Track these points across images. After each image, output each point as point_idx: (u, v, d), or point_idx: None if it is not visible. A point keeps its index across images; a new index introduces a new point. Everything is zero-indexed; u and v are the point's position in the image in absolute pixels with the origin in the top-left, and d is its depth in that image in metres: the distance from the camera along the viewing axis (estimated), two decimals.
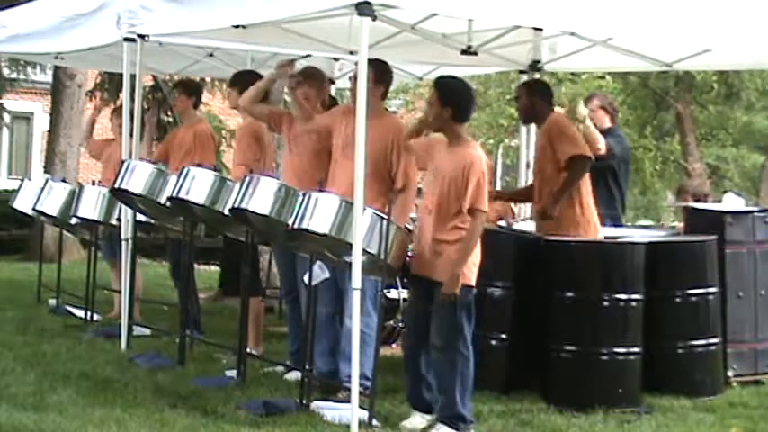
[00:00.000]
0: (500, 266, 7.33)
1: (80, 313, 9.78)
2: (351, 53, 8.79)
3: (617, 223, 8.92)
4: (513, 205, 9.86)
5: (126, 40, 8.24)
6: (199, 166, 7.85)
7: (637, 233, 8.33)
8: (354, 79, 7.03)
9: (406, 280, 8.52)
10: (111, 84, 16.42)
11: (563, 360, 7.11)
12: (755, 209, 8.70)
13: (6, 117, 19.06)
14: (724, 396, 7.44)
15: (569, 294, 7.13)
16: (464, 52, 8.21)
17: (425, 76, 11.01)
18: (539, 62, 9.37)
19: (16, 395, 6.54)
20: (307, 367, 6.70)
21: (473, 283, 6.16)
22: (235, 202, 6.89)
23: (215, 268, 14.31)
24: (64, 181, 11.16)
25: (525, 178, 9.84)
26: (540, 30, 8.37)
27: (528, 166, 9.77)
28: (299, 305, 7.51)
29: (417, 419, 6.26)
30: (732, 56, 8.53)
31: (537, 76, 9.46)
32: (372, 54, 6.45)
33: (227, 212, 7.13)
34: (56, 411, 6.15)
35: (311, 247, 6.58)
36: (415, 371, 6.32)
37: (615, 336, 7.09)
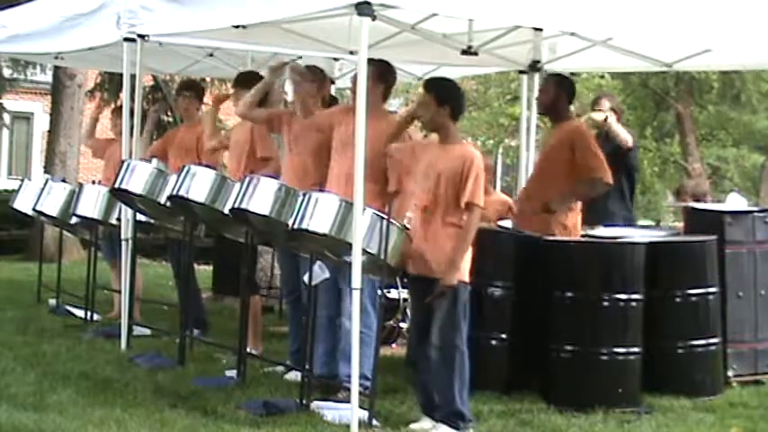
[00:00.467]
0: (500, 266, 7.33)
1: (80, 313, 9.77)
2: (351, 53, 8.78)
3: (630, 223, 8.95)
4: (513, 205, 9.85)
5: (126, 40, 8.23)
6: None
7: (637, 233, 8.32)
8: (355, 79, 7.05)
9: (405, 280, 8.53)
10: (111, 84, 16.44)
11: (563, 360, 7.11)
12: (755, 209, 8.70)
13: (6, 117, 19.06)
14: (724, 396, 7.44)
15: (569, 294, 7.12)
16: (464, 52, 8.21)
17: (425, 76, 11.01)
18: (539, 62, 9.37)
19: (16, 395, 6.54)
20: (306, 367, 6.70)
21: (467, 279, 6.17)
22: (235, 202, 6.89)
23: None
24: (64, 181, 11.16)
25: (525, 178, 9.83)
26: (540, 30, 8.37)
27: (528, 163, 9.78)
28: (300, 305, 7.50)
29: (428, 424, 6.25)
30: (733, 56, 8.53)
31: (537, 76, 9.47)
32: (372, 54, 6.46)
33: (227, 212, 7.13)
34: (56, 411, 6.15)
35: (311, 247, 6.58)
36: (425, 374, 6.32)
37: (615, 336, 7.09)
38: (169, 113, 16.85)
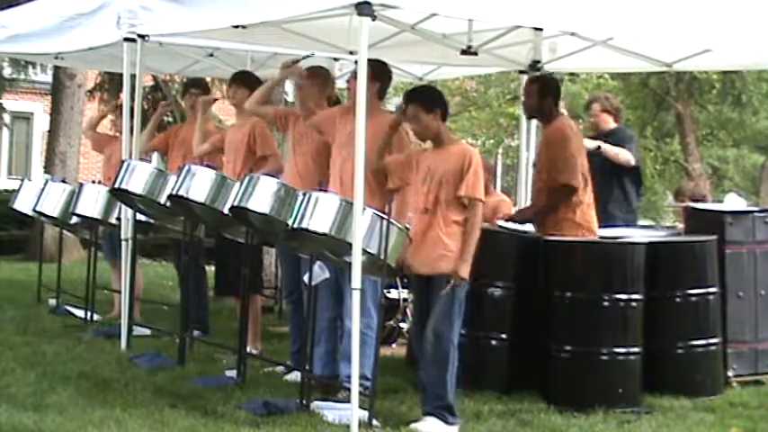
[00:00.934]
0: (500, 266, 7.33)
1: (80, 313, 9.77)
2: (351, 53, 8.78)
3: (630, 225, 8.94)
4: (511, 205, 9.85)
5: (126, 40, 8.23)
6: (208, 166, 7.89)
7: (637, 233, 8.32)
8: (353, 78, 7.06)
9: (406, 280, 8.52)
10: (111, 84, 16.43)
11: (563, 360, 7.11)
12: (755, 209, 8.70)
13: (6, 117, 19.06)
14: (724, 396, 7.44)
15: (569, 294, 7.12)
16: (464, 52, 8.21)
17: (425, 76, 11.02)
18: (539, 62, 9.36)
19: (16, 395, 6.54)
20: (307, 368, 6.70)
21: (467, 277, 6.20)
22: (234, 201, 6.89)
23: None
24: (64, 181, 11.17)
25: (525, 178, 9.84)
26: (540, 30, 8.37)
27: (535, 165, 9.77)
28: (300, 305, 7.49)
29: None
30: (733, 56, 8.53)
31: (543, 74, 9.46)
32: (372, 54, 6.45)
33: (226, 211, 7.13)
34: (56, 411, 6.15)
35: (311, 247, 6.58)
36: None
37: (615, 336, 7.09)
38: (169, 113, 16.85)
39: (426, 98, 6.43)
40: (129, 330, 8.45)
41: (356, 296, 6.01)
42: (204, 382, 7.11)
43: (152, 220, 8.67)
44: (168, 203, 7.74)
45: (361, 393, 6.06)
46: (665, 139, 26.04)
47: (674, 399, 7.16)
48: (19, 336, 8.74)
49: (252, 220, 7.06)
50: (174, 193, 7.48)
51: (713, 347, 7.55)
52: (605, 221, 8.39)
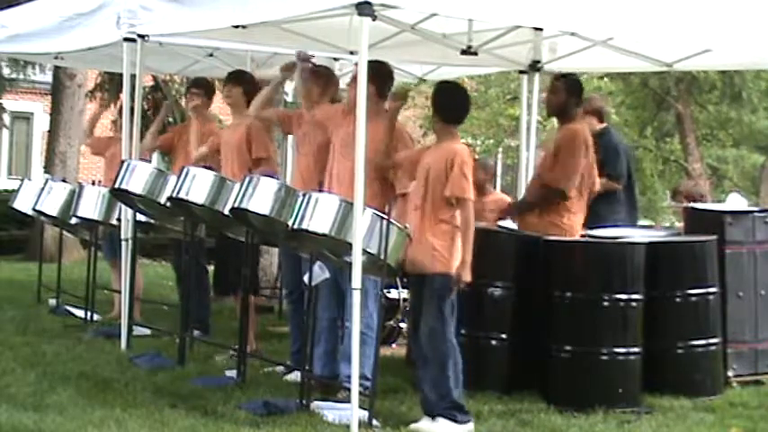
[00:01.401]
0: (500, 266, 7.34)
1: (80, 313, 9.78)
2: (351, 53, 8.79)
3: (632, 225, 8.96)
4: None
5: (126, 40, 8.23)
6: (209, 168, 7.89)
7: (637, 233, 8.32)
8: (352, 80, 7.06)
9: (406, 280, 8.52)
10: (111, 84, 16.42)
11: (563, 360, 7.11)
12: (755, 209, 8.70)
13: (6, 117, 19.05)
14: (724, 396, 7.44)
15: (569, 294, 7.12)
16: (464, 52, 8.21)
17: (425, 76, 11.02)
18: (539, 62, 9.37)
19: (16, 395, 6.54)
20: (306, 368, 6.70)
21: (452, 272, 6.19)
22: (235, 202, 6.89)
23: None
24: (64, 181, 11.17)
25: (525, 178, 9.83)
26: (540, 30, 8.37)
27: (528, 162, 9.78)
28: (300, 305, 7.50)
29: (428, 423, 6.24)
30: (732, 56, 8.52)
31: (537, 76, 9.47)
32: (372, 54, 6.45)
33: (227, 212, 7.13)
34: (56, 411, 6.15)
35: (311, 247, 6.58)
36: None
37: (615, 336, 7.09)
38: (170, 113, 16.84)
39: (437, 96, 6.47)
40: (129, 330, 8.45)
41: (356, 296, 6.01)
42: (204, 382, 7.11)
43: (152, 220, 8.67)
44: (168, 204, 7.74)
45: (361, 393, 6.06)
46: (665, 139, 26.04)
47: (674, 399, 7.17)
48: (19, 336, 8.74)
49: (252, 221, 7.06)
50: (173, 195, 7.48)
51: (713, 347, 7.55)
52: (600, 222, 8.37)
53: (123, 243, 8.52)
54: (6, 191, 17.57)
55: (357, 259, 5.95)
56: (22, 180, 11.67)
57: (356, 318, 6.04)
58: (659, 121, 25.11)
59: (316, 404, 6.49)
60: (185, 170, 7.58)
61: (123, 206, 8.53)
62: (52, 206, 10.12)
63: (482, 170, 9.70)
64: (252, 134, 8.12)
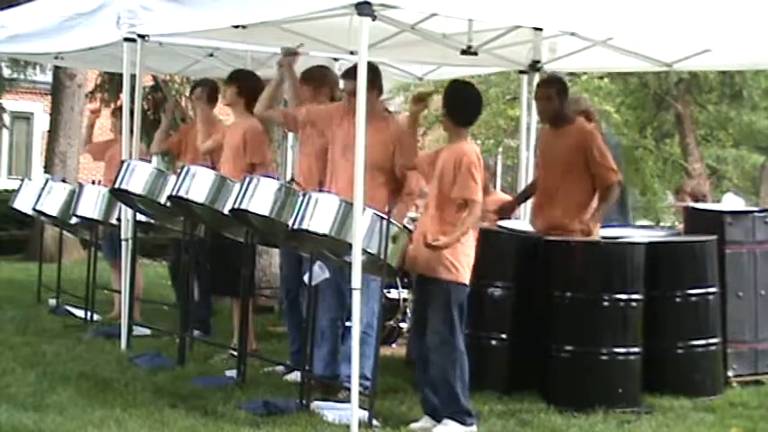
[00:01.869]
0: (500, 266, 7.34)
1: (80, 313, 9.78)
2: (351, 53, 8.78)
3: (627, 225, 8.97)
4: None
5: (126, 40, 8.23)
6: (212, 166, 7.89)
7: (637, 233, 8.32)
8: (343, 78, 7.07)
9: (406, 280, 8.53)
10: (111, 84, 16.44)
11: (563, 360, 7.11)
12: (755, 209, 8.70)
13: (6, 117, 19.06)
14: (724, 396, 7.44)
15: (569, 294, 7.12)
16: (464, 52, 8.21)
17: (425, 76, 11.02)
18: (539, 62, 9.37)
19: (16, 395, 6.54)
20: (307, 368, 6.70)
21: (467, 281, 6.19)
22: (235, 203, 6.89)
23: None
24: (64, 181, 11.17)
25: (525, 178, 9.83)
26: (540, 30, 8.37)
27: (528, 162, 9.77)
28: (298, 305, 7.54)
29: (428, 423, 6.25)
30: (732, 56, 8.53)
31: (537, 76, 9.47)
32: (372, 54, 6.45)
33: (226, 212, 7.13)
34: (56, 411, 6.15)
35: (311, 247, 6.58)
36: (422, 373, 6.32)
37: (615, 336, 7.09)
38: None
39: (447, 97, 6.40)
40: (129, 330, 8.45)
41: (356, 296, 6.01)
42: (204, 382, 7.11)
43: (152, 220, 8.67)
44: (168, 204, 7.74)
45: (361, 393, 6.06)
46: (665, 140, 26.04)
47: (674, 399, 7.17)
48: (19, 336, 8.74)
49: (252, 221, 7.06)
50: (173, 194, 7.48)
51: (713, 347, 7.55)
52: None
53: (123, 243, 8.52)
54: (6, 191, 17.58)
55: (357, 259, 5.95)
56: (22, 180, 11.67)
57: (356, 318, 6.04)
58: (659, 121, 25.12)
59: (316, 404, 6.50)
60: (186, 168, 7.59)
61: (123, 206, 8.53)
62: (52, 206, 10.13)
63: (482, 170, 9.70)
64: (248, 138, 8.11)
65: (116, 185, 8.10)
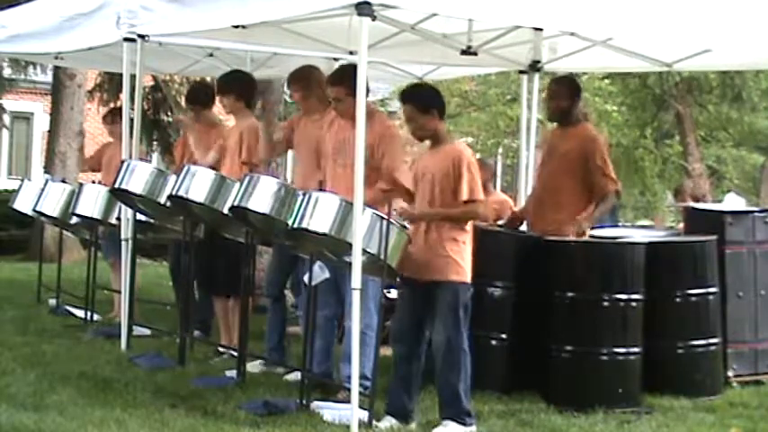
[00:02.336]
0: (500, 266, 7.34)
1: (80, 313, 9.78)
2: (351, 53, 8.78)
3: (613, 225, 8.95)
4: (512, 203, 9.86)
5: (126, 40, 8.23)
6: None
7: (637, 233, 8.32)
8: (327, 84, 7.10)
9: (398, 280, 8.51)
10: (111, 84, 16.44)
11: (563, 360, 7.11)
12: (755, 209, 8.71)
13: (6, 117, 19.05)
14: (724, 396, 7.44)
15: (569, 294, 7.12)
16: (464, 52, 8.21)
17: (425, 76, 11.02)
18: (539, 62, 9.37)
19: (16, 395, 6.54)
20: (306, 367, 6.70)
21: (469, 280, 6.19)
22: (235, 201, 6.90)
23: None
24: (64, 181, 11.17)
25: (525, 178, 9.83)
26: (540, 30, 8.36)
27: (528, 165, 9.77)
28: (279, 305, 7.78)
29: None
30: (732, 56, 8.53)
31: (537, 76, 9.47)
32: (372, 54, 6.45)
33: (226, 211, 7.14)
34: (56, 411, 6.15)
35: (311, 247, 6.58)
36: (405, 376, 6.29)
37: (615, 336, 7.09)
38: (169, 113, 16.87)
39: (421, 98, 6.35)
40: (129, 330, 8.44)
41: (356, 296, 6.01)
42: (204, 382, 7.11)
43: (152, 220, 8.67)
44: (168, 203, 7.74)
45: (361, 393, 6.06)
46: (665, 140, 26.04)
47: (674, 399, 7.17)
48: (19, 336, 8.74)
49: (252, 220, 7.07)
50: (173, 193, 7.48)
51: (713, 347, 7.55)
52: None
53: (123, 243, 8.52)
54: (6, 191, 17.57)
55: (357, 259, 5.95)
56: (22, 180, 11.67)
57: (356, 318, 6.04)
58: (659, 121, 25.13)
59: (315, 404, 6.50)
60: (186, 168, 7.59)
61: (123, 206, 8.53)
62: (52, 206, 10.12)
63: (482, 170, 9.69)
64: (244, 138, 8.10)
65: (116, 185, 8.10)
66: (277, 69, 10.31)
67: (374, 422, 6.15)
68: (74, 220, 9.80)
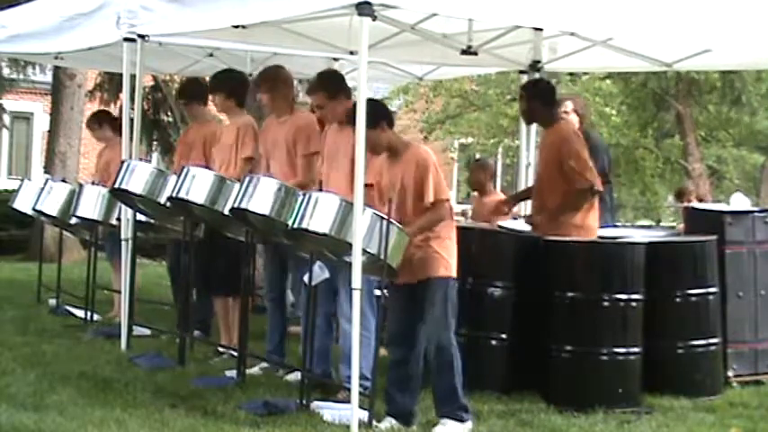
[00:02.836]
0: (500, 266, 7.34)
1: (80, 313, 9.78)
2: (351, 53, 8.79)
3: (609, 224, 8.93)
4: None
5: (126, 40, 8.23)
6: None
7: (637, 233, 8.32)
8: (309, 88, 7.15)
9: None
10: (111, 84, 16.44)
11: (563, 360, 7.11)
12: (755, 209, 8.71)
13: (6, 117, 19.06)
14: (724, 396, 7.44)
15: (569, 294, 7.12)
16: (464, 52, 8.21)
17: (425, 76, 11.02)
18: (539, 62, 9.37)
19: (16, 395, 6.54)
20: (306, 367, 6.70)
21: (455, 275, 6.19)
22: (235, 202, 6.90)
23: None
24: (64, 181, 11.17)
25: (525, 178, 9.84)
26: (540, 30, 8.37)
27: (528, 165, 9.77)
28: (279, 305, 7.74)
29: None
30: (732, 56, 8.53)
31: (537, 76, 9.46)
32: (372, 54, 6.45)
33: (226, 212, 7.14)
34: (56, 411, 6.15)
35: (311, 247, 6.58)
36: (403, 379, 6.28)
37: (615, 336, 7.09)
38: (169, 113, 16.87)
39: (366, 116, 6.08)
40: (129, 330, 8.44)
41: (356, 296, 6.00)
42: (204, 382, 7.11)
43: (152, 221, 8.66)
44: (168, 204, 7.74)
45: (360, 393, 6.06)
46: (665, 140, 26.03)
47: (674, 399, 7.17)
48: (19, 336, 8.74)
49: (252, 221, 7.07)
50: (173, 195, 7.48)
51: (713, 347, 7.55)
52: None
53: (123, 243, 8.52)
54: (6, 191, 17.58)
55: (357, 259, 5.95)
56: (22, 180, 11.67)
57: (356, 318, 6.03)
58: (659, 121, 25.12)
59: (316, 404, 6.50)
60: (185, 169, 7.58)
61: (123, 206, 8.53)
62: (52, 206, 10.12)
63: (482, 170, 9.71)
64: (240, 135, 8.10)
65: (116, 185, 8.10)
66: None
67: (374, 422, 6.15)
68: (74, 220, 9.80)
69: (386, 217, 6.10)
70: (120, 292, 9.01)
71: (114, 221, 9.11)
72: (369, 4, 5.90)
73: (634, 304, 7.10)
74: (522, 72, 9.58)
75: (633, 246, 7.32)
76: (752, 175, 28.83)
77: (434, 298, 6.14)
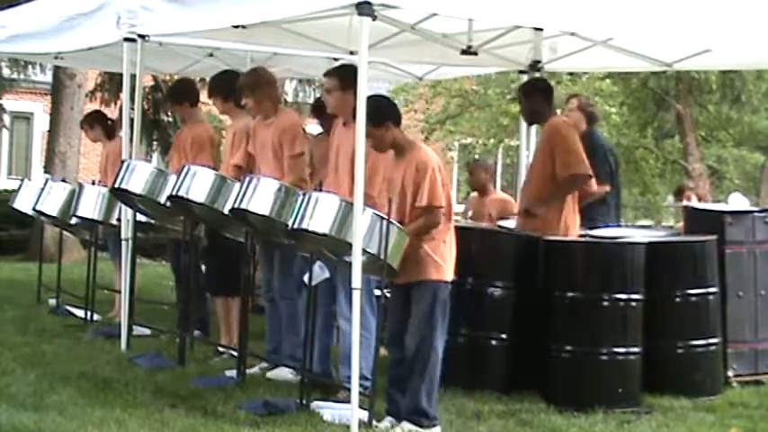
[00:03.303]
0: (500, 266, 7.34)
1: (80, 313, 9.78)
2: (351, 53, 8.79)
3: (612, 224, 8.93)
4: (514, 204, 9.85)
5: (126, 40, 8.23)
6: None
7: (637, 233, 8.31)
8: (329, 73, 7.13)
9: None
10: (111, 84, 16.44)
11: (563, 360, 7.11)
12: (755, 209, 8.71)
13: (6, 117, 19.06)
14: (724, 396, 7.44)
15: (569, 294, 7.13)
16: (464, 52, 8.22)
17: (425, 76, 11.02)
18: (539, 62, 9.37)
19: (16, 395, 6.54)
20: (306, 367, 6.70)
21: (449, 279, 6.17)
22: (235, 203, 6.90)
23: None
24: (64, 181, 11.17)
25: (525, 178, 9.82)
26: (540, 30, 8.37)
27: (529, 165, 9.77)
28: (276, 305, 7.68)
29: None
30: (732, 56, 8.53)
31: (537, 76, 9.46)
32: (372, 54, 6.45)
33: (226, 212, 7.13)
34: (56, 411, 6.15)
35: (311, 247, 6.58)
36: (402, 379, 6.29)
37: (615, 336, 7.10)
38: (169, 113, 16.87)
39: (372, 113, 6.10)
40: (129, 330, 8.44)
41: (356, 296, 6.00)
42: (204, 382, 7.11)
43: (152, 221, 8.66)
44: (168, 204, 7.74)
45: (360, 393, 6.06)
46: (666, 140, 26.04)
47: (674, 399, 7.17)
48: (19, 336, 8.74)
49: (252, 221, 7.07)
50: (173, 193, 7.48)
51: (713, 347, 7.55)
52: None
53: (123, 243, 8.52)
54: (6, 191, 17.58)
55: (357, 259, 5.94)
56: (22, 180, 11.67)
57: (356, 318, 6.03)
58: (659, 121, 25.14)
59: (315, 404, 6.50)
60: (186, 168, 7.58)
61: (123, 206, 8.53)
62: (52, 206, 10.13)
63: (482, 170, 9.72)
64: (235, 140, 8.09)
65: (116, 185, 8.10)
66: (277, 69, 10.30)
67: (374, 422, 6.15)
68: (74, 220, 9.80)
69: (386, 217, 6.10)
70: (120, 291, 9.01)
71: (114, 221, 9.11)
72: (369, 3, 5.90)
73: (634, 304, 7.10)
74: (522, 72, 9.58)
75: (633, 246, 7.32)
76: (752, 175, 28.82)
77: (421, 301, 6.12)
